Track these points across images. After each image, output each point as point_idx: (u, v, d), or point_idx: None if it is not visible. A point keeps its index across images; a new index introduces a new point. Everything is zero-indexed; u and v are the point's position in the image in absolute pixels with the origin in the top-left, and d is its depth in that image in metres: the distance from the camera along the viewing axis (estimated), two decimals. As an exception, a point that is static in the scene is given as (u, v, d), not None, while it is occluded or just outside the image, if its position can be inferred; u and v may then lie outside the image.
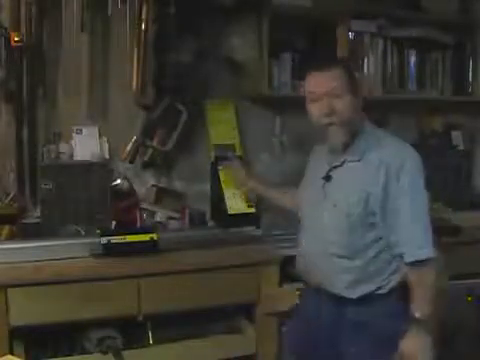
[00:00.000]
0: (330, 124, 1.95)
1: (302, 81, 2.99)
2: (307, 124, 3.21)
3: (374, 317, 1.95)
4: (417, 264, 1.91)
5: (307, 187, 2.18)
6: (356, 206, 1.93)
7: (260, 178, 2.72)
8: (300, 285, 2.36)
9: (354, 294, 1.97)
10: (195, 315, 2.56)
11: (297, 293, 2.47)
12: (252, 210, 2.83)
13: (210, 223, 2.98)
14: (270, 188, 2.58)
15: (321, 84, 1.94)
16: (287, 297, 2.53)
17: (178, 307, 2.46)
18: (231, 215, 2.80)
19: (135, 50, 2.75)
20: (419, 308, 1.91)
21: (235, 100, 3.13)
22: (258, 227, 2.83)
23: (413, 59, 3.32)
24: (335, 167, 2.02)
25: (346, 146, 1.99)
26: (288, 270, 2.59)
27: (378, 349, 1.93)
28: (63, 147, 2.78)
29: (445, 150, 3.45)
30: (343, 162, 2.00)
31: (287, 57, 3.07)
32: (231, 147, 3.07)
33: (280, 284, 2.63)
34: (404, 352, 1.91)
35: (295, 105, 3.18)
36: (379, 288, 1.96)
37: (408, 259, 1.92)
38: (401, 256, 1.94)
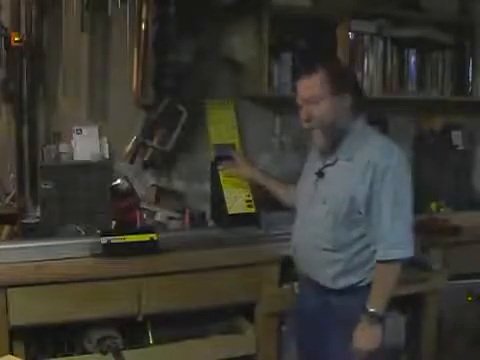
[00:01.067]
0: (311, 128, 2.04)
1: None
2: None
3: (354, 305, 2.03)
4: (386, 262, 1.99)
5: (302, 182, 2.24)
6: (343, 203, 2.00)
7: (261, 169, 2.75)
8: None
9: (337, 285, 2.06)
10: (195, 315, 2.56)
11: (296, 284, 2.53)
12: (252, 210, 2.83)
13: (210, 223, 2.98)
14: (270, 178, 2.60)
15: (301, 91, 2.04)
16: (287, 297, 2.53)
17: (178, 307, 2.47)
18: (231, 215, 2.80)
19: (135, 50, 2.75)
20: (375, 304, 1.99)
21: (235, 100, 3.13)
22: (258, 227, 2.83)
23: (413, 59, 3.32)
24: (328, 165, 2.09)
25: (334, 146, 2.06)
26: (288, 270, 2.59)
27: (349, 336, 2.02)
28: (63, 147, 2.79)
29: (445, 150, 3.45)
30: (335, 161, 2.07)
31: (287, 57, 3.06)
32: (231, 147, 3.06)
33: (280, 284, 2.63)
34: (356, 343, 2.00)
35: (295, 105, 3.19)
36: (361, 281, 2.05)
37: (379, 257, 2.00)
38: (375, 252, 2.02)
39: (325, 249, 2.05)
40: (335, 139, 2.04)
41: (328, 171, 2.08)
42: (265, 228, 2.84)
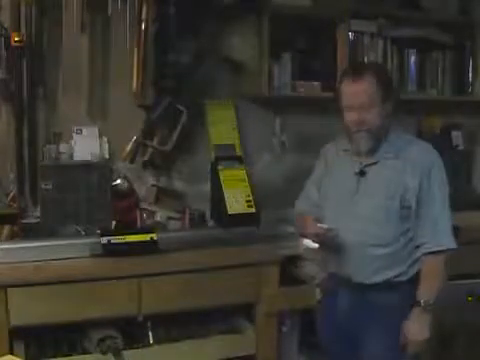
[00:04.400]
0: (358, 132, 2.06)
1: (302, 81, 3.09)
2: (307, 124, 3.28)
3: (393, 302, 2.07)
4: (436, 253, 2.04)
5: (333, 182, 2.21)
6: (394, 199, 2.05)
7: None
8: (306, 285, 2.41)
9: (377, 279, 2.08)
10: (195, 315, 2.57)
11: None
12: (252, 210, 2.84)
13: (210, 223, 2.98)
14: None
15: (353, 97, 2.05)
16: (287, 297, 2.54)
17: (178, 307, 2.47)
18: (231, 215, 2.81)
19: (135, 50, 2.76)
20: (426, 295, 2.04)
21: (235, 100, 3.13)
22: (258, 227, 2.84)
23: (413, 59, 3.32)
24: (369, 165, 2.11)
25: (372, 151, 2.09)
26: (288, 270, 2.59)
27: (391, 332, 2.07)
28: (63, 147, 2.78)
29: (445, 150, 3.43)
30: (377, 161, 2.10)
31: (287, 57, 3.07)
32: (231, 147, 3.07)
33: (280, 284, 2.63)
34: (408, 335, 2.05)
35: (295, 105, 3.21)
36: (398, 275, 2.08)
37: (429, 248, 2.05)
38: (420, 245, 2.07)
39: (372, 245, 2.07)
40: (374, 145, 2.09)
41: (371, 170, 2.10)
42: (265, 228, 2.84)
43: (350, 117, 2.06)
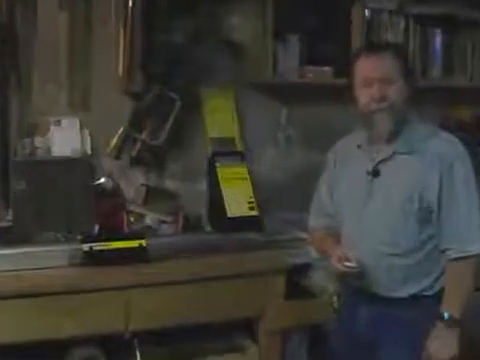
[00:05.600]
0: (379, 110, 2.03)
1: (311, 66, 3.09)
2: (317, 115, 3.28)
3: (416, 318, 2.05)
4: (462, 259, 2.01)
5: (345, 186, 2.20)
6: (411, 202, 2.02)
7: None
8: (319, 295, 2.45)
9: (400, 293, 2.06)
10: (190, 332, 2.57)
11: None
12: (254, 213, 2.84)
13: (207, 228, 2.99)
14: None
15: (375, 68, 2.04)
16: (294, 312, 2.54)
17: (170, 323, 2.47)
18: (231, 218, 2.82)
19: (121, 30, 2.76)
20: (452, 306, 2.02)
21: (235, 88, 3.13)
22: (261, 232, 2.84)
23: (438, 40, 3.32)
24: (383, 161, 2.09)
25: (392, 136, 2.07)
26: (296, 281, 2.59)
27: (414, 350, 2.05)
28: (39, 141, 2.78)
29: (474, 145, 3.44)
30: (392, 155, 2.07)
31: (294, 39, 3.07)
32: (231, 141, 3.07)
33: (286, 297, 2.63)
34: (431, 353, 2.02)
35: (303, 93, 3.21)
36: (425, 289, 2.06)
37: (454, 254, 2.02)
38: (443, 251, 2.04)
39: (391, 254, 2.05)
40: (396, 128, 2.07)
41: (384, 168, 2.08)
42: (269, 233, 2.84)
43: (369, 93, 2.03)
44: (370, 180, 2.09)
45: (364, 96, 2.05)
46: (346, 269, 2.01)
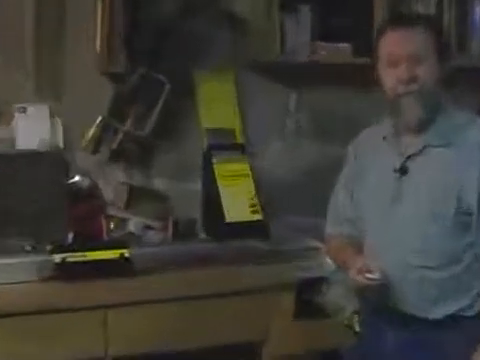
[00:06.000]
0: (407, 94, 2.04)
1: (325, 43, 3.08)
2: (332, 101, 3.28)
3: (454, 344, 2.03)
4: None
5: (368, 186, 2.21)
6: (447, 203, 2.01)
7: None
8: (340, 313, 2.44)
9: (435, 314, 2.04)
10: (181, 358, 2.57)
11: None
12: (258, 217, 2.84)
13: (201, 235, 3.00)
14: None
15: (402, 44, 2.04)
16: (304, 334, 2.54)
17: (157, 347, 2.48)
18: (230, 224, 2.83)
19: (99, 1, 2.76)
20: None
21: (236, 69, 3.14)
22: (266, 240, 2.84)
23: (478, 10, 3.32)
24: (412, 156, 2.09)
25: (423, 126, 2.07)
26: (306, 298, 2.60)
27: None
28: (1, 131, 2.79)
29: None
30: (423, 148, 2.07)
31: (306, 10, 3.08)
32: (230, 132, 3.08)
33: (295, 317, 2.65)
34: None
35: (316, 75, 3.20)
36: (464, 309, 2.04)
37: None
38: None
39: (422, 267, 2.05)
40: (427, 116, 2.07)
41: (414, 164, 2.08)
42: (276, 242, 2.85)
43: (396, 74, 2.04)
44: (398, 178, 2.10)
45: (390, 77, 2.05)
46: (368, 282, 2.00)
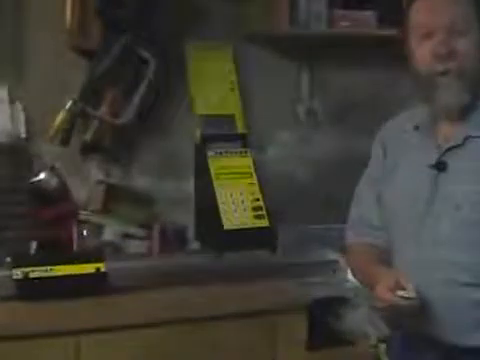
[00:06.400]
0: (444, 73, 2.04)
1: (345, 11, 3.08)
2: (352, 82, 3.27)
3: None
4: None
5: (399, 185, 2.21)
6: None
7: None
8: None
9: (476, 341, 2.04)
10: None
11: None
12: (263, 223, 2.83)
13: (194, 245, 3.01)
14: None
15: (439, 14, 2.06)
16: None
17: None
18: (228, 231, 2.81)
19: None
20: None
21: (235, 42, 3.14)
22: (273, 251, 2.84)
23: None
24: (451, 149, 2.09)
25: (463, 113, 2.08)
26: (322, 322, 2.59)
27: None
28: None
29: None
30: (465, 139, 2.07)
31: (321, -29, 3.08)
32: (229, 120, 3.08)
33: (309, 345, 2.63)
34: None
35: (334, 51, 3.20)
36: None
37: None
38: None
39: (466, 284, 2.04)
40: (469, 101, 2.07)
41: (454, 158, 2.09)
42: (284, 253, 2.86)
43: (430, 49, 2.04)
44: (435, 176, 2.10)
45: (423, 53, 2.07)
46: (399, 301, 1.97)
